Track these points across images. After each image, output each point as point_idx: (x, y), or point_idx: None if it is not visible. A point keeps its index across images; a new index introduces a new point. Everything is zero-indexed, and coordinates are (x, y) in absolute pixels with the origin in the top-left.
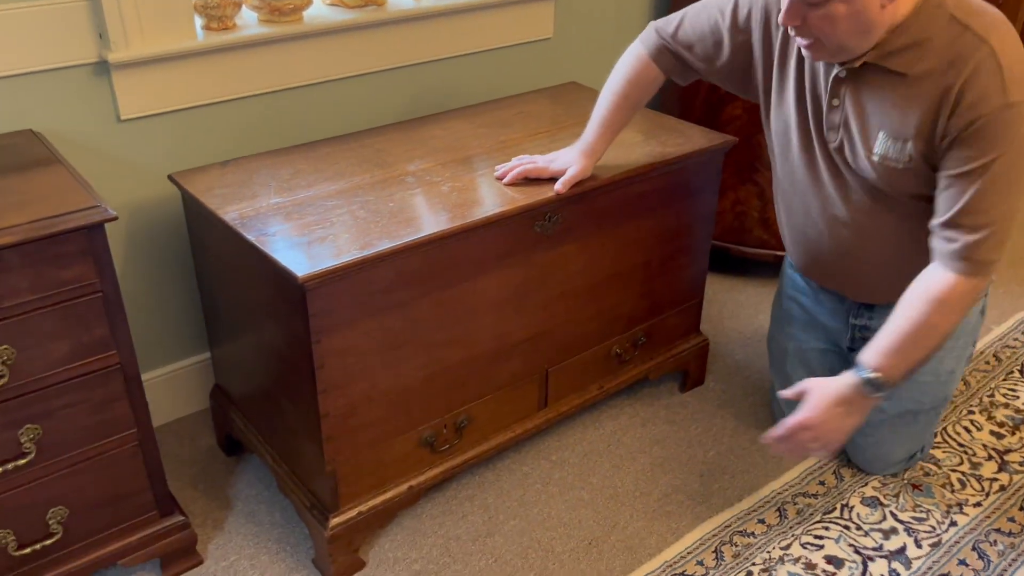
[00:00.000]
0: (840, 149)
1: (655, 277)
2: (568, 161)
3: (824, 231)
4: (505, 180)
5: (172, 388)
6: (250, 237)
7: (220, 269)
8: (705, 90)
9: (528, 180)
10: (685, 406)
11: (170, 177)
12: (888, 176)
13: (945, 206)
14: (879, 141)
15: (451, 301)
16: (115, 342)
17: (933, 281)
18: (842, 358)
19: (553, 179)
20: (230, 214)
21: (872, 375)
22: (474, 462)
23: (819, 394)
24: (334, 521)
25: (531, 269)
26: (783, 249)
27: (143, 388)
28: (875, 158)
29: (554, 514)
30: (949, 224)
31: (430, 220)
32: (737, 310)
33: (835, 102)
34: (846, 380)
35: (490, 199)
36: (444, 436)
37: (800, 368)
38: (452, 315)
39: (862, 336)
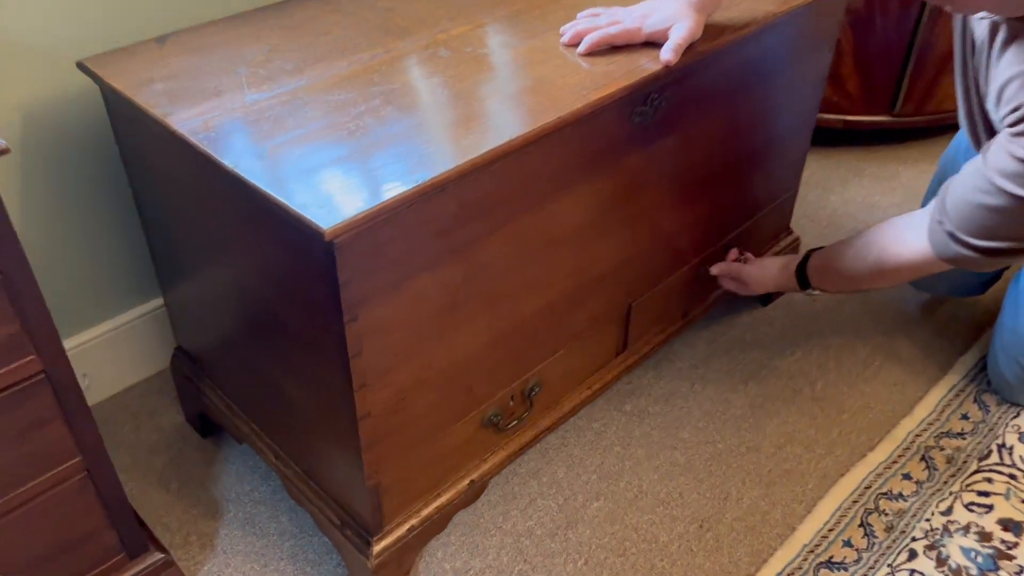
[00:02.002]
0: None
1: (757, 167)
2: (670, 17)
3: None
4: (580, 49)
5: (115, 350)
6: (230, 165)
7: (172, 196)
8: None
9: (612, 48)
10: (772, 323)
11: (80, 65)
12: None
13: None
14: None
15: (524, 235)
16: (31, 340)
17: (906, 243)
18: None
19: (648, 44)
20: (187, 122)
21: (817, 293)
22: (545, 435)
23: (761, 274)
24: (379, 547)
25: (621, 176)
26: (855, 112)
27: (83, 397)
28: None
29: (646, 487)
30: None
31: (498, 119)
32: (807, 192)
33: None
34: (788, 268)
35: (571, 80)
36: (511, 409)
37: None
38: (525, 254)
39: None
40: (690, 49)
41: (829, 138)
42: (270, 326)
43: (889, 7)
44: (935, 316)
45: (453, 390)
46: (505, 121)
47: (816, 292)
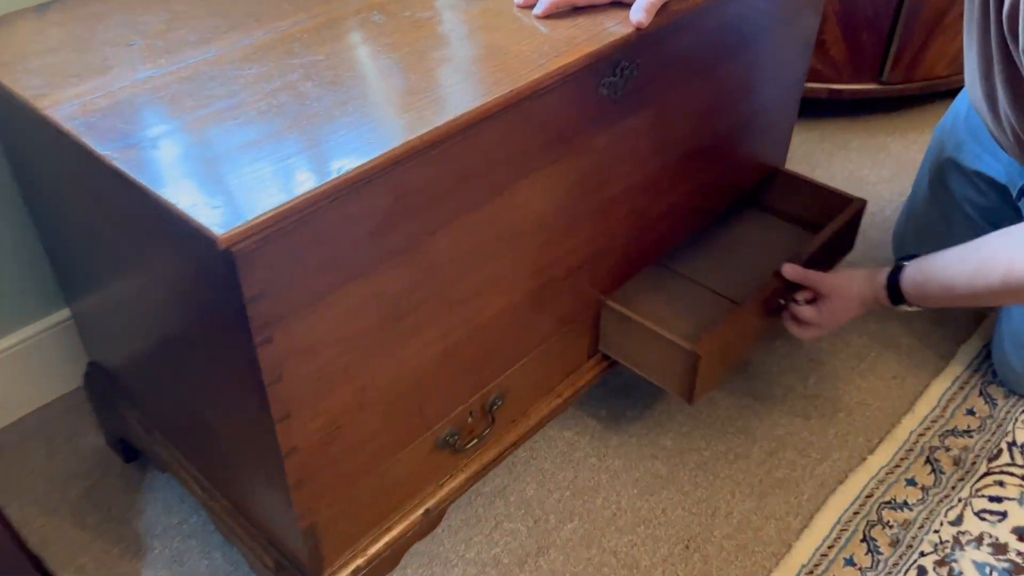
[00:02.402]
0: None
1: (741, 143)
2: None
3: None
4: (537, 10)
5: (20, 367)
6: (108, 156)
7: (58, 195)
8: None
9: (573, 10)
10: None
11: None
12: None
13: None
14: None
15: (478, 230)
16: None
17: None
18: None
19: (616, 4)
20: (62, 106)
21: (913, 310)
22: (511, 452)
23: (840, 304)
24: None
25: (589, 158)
26: (840, 80)
27: None
28: None
29: (626, 504)
30: None
31: (441, 93)
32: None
33: None
34: (873, 291)
35: (527, 47)
36: (470, 427)
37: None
38: (480, 251)
39: None
40: (663, 9)
41: (812, 109)
42: (180, 346)
43: None
44: None
45: (400, 412)
46: (450, 96)
47: (912, 309)
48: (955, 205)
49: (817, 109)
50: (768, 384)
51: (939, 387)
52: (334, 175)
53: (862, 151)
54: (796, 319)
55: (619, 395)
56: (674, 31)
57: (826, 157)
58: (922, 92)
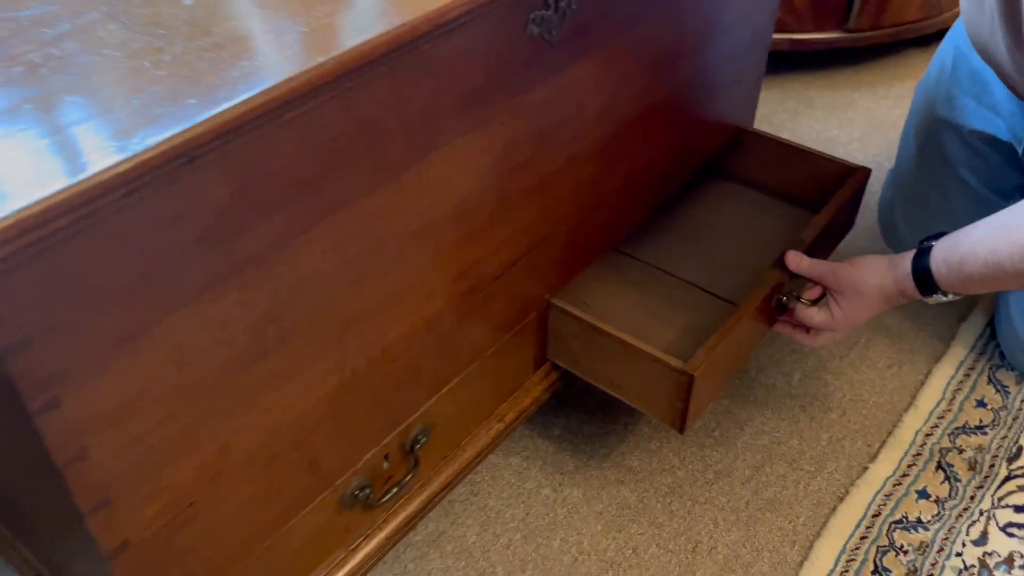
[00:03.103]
0: None
1: (704, 102)
2: None
3: None
4: None
5: None
6: None
7: None
8: None
9: None
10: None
11: None
12: None
13: None
14: None
15: (372, 223)
16: None
17: None
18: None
19: None
20: None
21: (949, 298)
22: (444, 496)
23: (857, 301)
24: None
25: (521, 120)
26: (803, 29)
27: None
28: None
29: (588, 544)
30: None
31: (307, 33)
32: None
33: None
34: (896, 282)
35: None
36: (386, 473)
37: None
38: (377, 252)
39: None
40: None
41: (773, 63)
42: None
43: None
44: None
45: (284, 472)
46: (316, 37)
47: (947, 298)
48: (950, 171)
49: (777, 63)
50: (746, 383)
51: (942, 375)
52: (135, 151)
53: (828, 109)
54: (802, 325)
55: (574, 406)
56: None
57: (790, 117)
58: (891, 40)
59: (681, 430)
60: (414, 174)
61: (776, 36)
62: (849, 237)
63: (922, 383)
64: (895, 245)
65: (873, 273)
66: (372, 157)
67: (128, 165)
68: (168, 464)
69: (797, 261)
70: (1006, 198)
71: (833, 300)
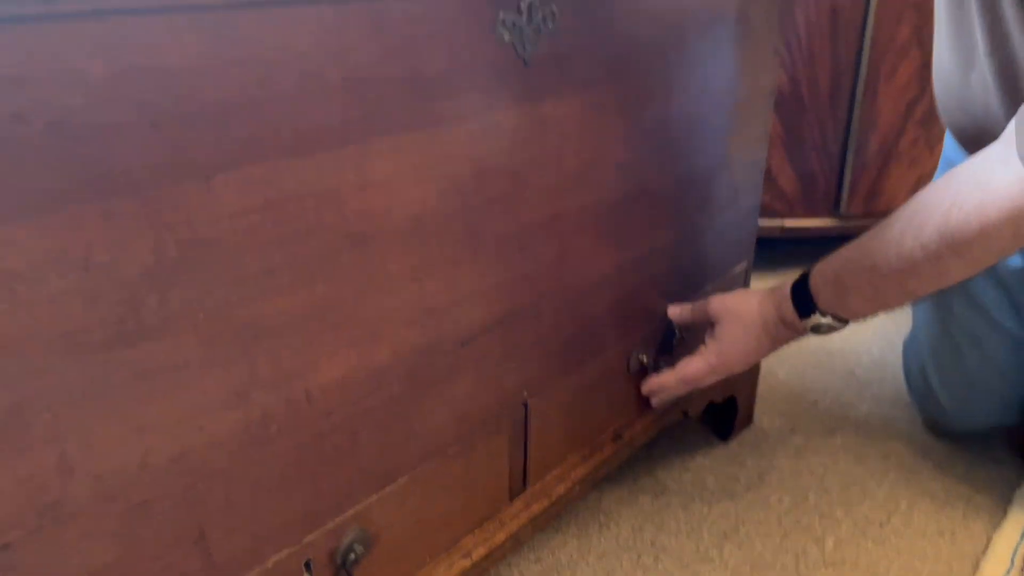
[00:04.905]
0: None
1: (700, 204)
2: None
3: None
4: None
5: None
6: None
7: None
8: None
9: None
10: (741, 463)
11: None
12: None
13: None
14: None
15: (294, 193)
16: None
17: (987, 185)
18: None
19: None
20: None
21: (827, 321)
22: None
23: (737, 326)
24: None
25: (493, 143)
26: (793, 215)
27: None
28: None
29: None
30: None
31: None
32: None
33: None
34: (776, 305)
35: None
36: None
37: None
38: (300, 239)
39: None
40: None
41: (768, 250)
42: None
43: (818, 83)
44: (960, 440)
45: (156, 531)
46: None
47: (827, 321)
48: (984, 318)
49: (773, 250)
50: (772, 550)
51: (1007, 541)
52: None
53: None
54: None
55: (561, 573)
56: None
57: None
58: None
59: (523, 487)
60: (354, 154)
61: (767, 223)
62: (878, 411)
63: (984, 550)
64: (940, 415)
65: (754, 296)
66: (302, 108)
67: None
68: None
69: (678, 310)
70: None
71: (711, 335)
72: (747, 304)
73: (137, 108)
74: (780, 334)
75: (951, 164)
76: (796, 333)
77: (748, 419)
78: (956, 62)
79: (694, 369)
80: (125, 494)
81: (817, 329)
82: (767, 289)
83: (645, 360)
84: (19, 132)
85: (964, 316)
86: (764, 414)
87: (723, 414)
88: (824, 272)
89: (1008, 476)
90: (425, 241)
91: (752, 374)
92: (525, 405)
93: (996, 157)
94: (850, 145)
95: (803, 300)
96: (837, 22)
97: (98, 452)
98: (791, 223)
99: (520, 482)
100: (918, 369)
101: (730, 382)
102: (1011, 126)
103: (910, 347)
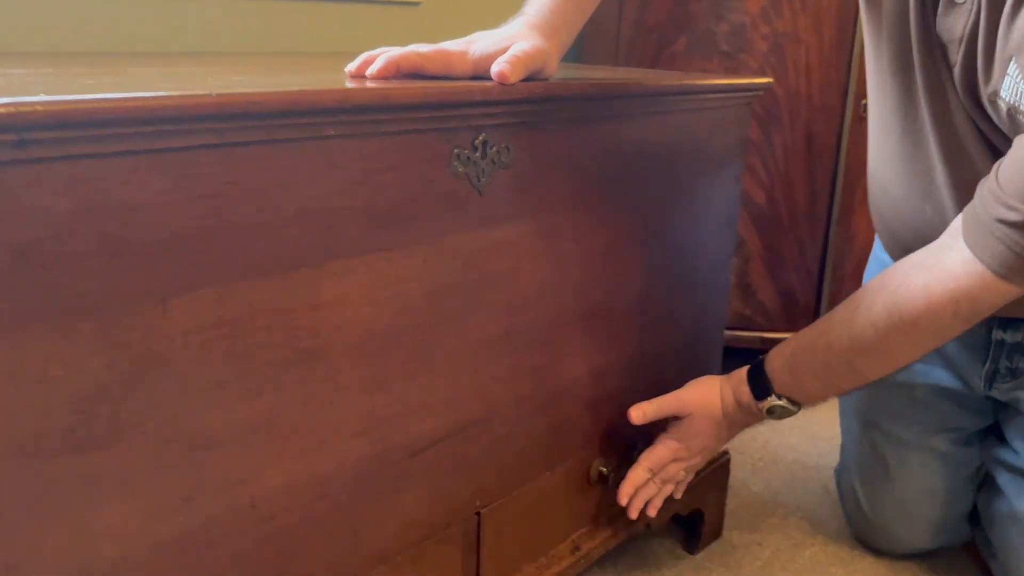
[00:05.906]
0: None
1: (661, 320)
2: (506, 38)
3: (948, 204)
4: (372, 70)
5: None
6: None
7: None
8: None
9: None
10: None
11: None
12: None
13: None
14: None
15: (246, 315)
16: None
17: (934, 270)
18: (969, 403)
19: (477, 79)
20: None
21: (783, 404)
22: None
23: (703, 414)
24: None
25: (446, 266)
26: (773, 328)
27: None
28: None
29: None
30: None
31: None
32: None
33: None
34: (733, 389)
35: (334, 77)
36: None
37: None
38: (251, 357)
39: (1009, 368)
40: (544, 86)
41: (748, 361)
42: None
43: (796, 203)
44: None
45: None
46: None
47: (782, 404)
48: (908, 431)
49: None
50: None
51: None
52: None
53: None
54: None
55: None
56: (560, 106)
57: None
58: None
59: None
60: (306, 276)
61: (748, 335)
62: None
63: None
64: (873, 536)
65: (715, 382)
66: (257, 236)
67: None
68: None
69: (640, 412)
70: (967, 444)
71: (677, 427)
72: (711, 394)
73: (99, 239)
74: (737, 418)
75: (883, 263)
76: (753, 417)
77: (717, 532)
78: (908, 191)
79: (658, 455)
80: None
81: (772, 412)
82: (725, 375)
83: (606, 470)
84: None
85: (891, 432)
86: (734, 528)
87: (691, 527)
88: (782, 353)
89: None
90: (376, 356)
91: (719, 489)
92: (478, 515)
93: (943, 245)
94: (827, 263)
95: (760, 383)
96: (813, 147)
97: (44, 555)
98: (771, 335)
99: None
100: (849, 490)
101: (697, 495)
102: (957, 220)
103: (840, 474)
